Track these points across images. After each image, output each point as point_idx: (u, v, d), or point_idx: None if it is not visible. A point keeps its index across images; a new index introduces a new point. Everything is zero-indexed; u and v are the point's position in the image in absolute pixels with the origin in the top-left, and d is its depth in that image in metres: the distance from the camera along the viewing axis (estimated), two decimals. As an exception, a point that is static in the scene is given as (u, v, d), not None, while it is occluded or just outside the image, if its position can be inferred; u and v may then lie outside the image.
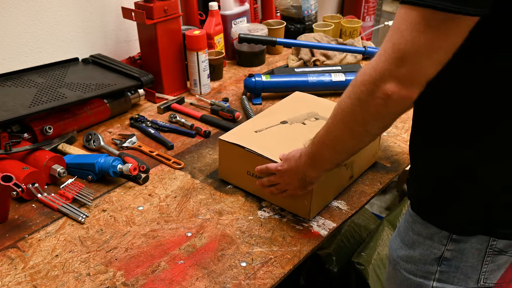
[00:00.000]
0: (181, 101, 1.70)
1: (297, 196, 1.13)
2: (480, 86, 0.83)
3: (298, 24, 2.25)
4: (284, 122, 1.31)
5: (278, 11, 2.28)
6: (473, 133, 0.86)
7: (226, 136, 1.25)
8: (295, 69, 1.81)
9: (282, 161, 1.11)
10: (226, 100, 1.71)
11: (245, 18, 2.03)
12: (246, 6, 2.02)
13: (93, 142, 1.45)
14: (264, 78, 1.69)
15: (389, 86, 0.77)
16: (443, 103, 0.86)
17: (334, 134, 0.92)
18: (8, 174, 1.11)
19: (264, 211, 1.19)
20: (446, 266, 0.96)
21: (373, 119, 0.84)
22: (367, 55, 1.77)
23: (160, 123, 1.56)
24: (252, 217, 1.17)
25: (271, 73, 1.81)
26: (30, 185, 1.21)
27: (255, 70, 1.97)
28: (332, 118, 0.91)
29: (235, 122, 1.58)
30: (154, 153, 1.42)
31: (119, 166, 1.27)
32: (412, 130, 0.99)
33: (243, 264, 1.04)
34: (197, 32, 1.69)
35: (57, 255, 1.07)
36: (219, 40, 1.91)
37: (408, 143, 1.01)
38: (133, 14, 1.64)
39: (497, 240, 0.92)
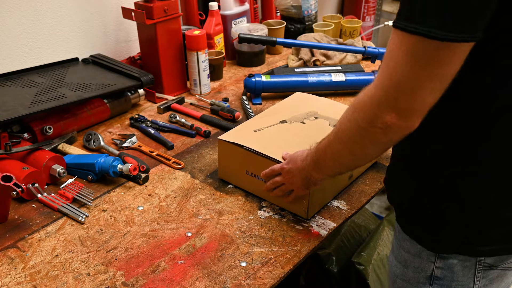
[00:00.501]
0: (181, 101, 1.70)
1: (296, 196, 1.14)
2: (465, 105, 0.81)
3: (298, 24, 2.25)
4: (283, 122, 1.31)
5: (278, 11, 2.28)
6: (455, 150, 0.85)
7: (225, 136, 1.25)
8: (295, 69, 1.81)
9: (286, 160, 1.11)
10: (226, 100, 1.71)
11: (245, 18, 2.03)
12: (246, 6, 2.02)
13: (93, 142, 1.45)
14: (264, 78, 1.69)
15: (389, 117, 0.75)
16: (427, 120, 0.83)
17: (335, 148, 0.92)
18: (8, 174, 1.11)
19: (264, 211, 1.19)
20: (438, 285, 0.95)
21: (372, 144, 0.84)
22: (367, 55, 1.77)
23: (160, 123, 1.56)
24: (252, 217, 1.17)
25: (271, 73, 1.81)
26: (30, 185, 1.21)
27: (255, 70, 1.97)
28: (334, 134, 0.91)
29: (235, 122, 1.58)
30: (154, 153, 1.42)
31: (119, 166, 1.27)
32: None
33: (243, 264, 1.04)
34: (197, 32, 1.69)
35: (57, 255, 1.07)
36: (219, 40, 1.91)
37: None
38: (133, 14, 1.64)
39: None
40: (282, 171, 1.11)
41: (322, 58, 1.90)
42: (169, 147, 1.46)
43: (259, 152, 1.17)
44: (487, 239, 0.89)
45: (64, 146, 1.42)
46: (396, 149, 0.98)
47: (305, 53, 1.93)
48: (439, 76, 0.71)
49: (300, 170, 1.05)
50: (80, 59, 1.75)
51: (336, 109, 1.40)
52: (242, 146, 1.20)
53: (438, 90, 0.73)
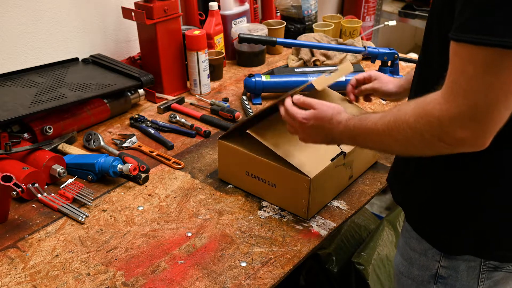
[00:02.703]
0: (181, 101, 1.70)
1: (294, 196, 1.13)
2: None
3: (298, 24, 2.25)
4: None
5: (278, 11, 2.28)
6: (469, 156, 0.82)
7: (225, 137, 1.25)
8: (295, 69, 1.81)
9: (309, 115, 0.99)
10: (226, 100, 1.71)
11: (245, 18, 2.03)
12: (246, 6, 2.02)
13: (93, 142, 1.45)
14: (264, 78, 1.69)
15: (461, 134, 0.71)
16: None
17: (384, 141, 0.85)
18: (8, 174, 1.11)
19: (264, 211, 1.19)
20: (442, 284, 0.95)
21: (431, 152, 0.79)
22: (367, 55, 1.77)
23: (160, 123, 1.56)
24: (252, 217, 1.17)
25: (271, 73, 1.81)
26: (30, 185, 1.21)
27: (255, 70, 1.97)
28: (386, 128, 0.83)
29: (235, 122, 1.58)
30: (154, 153, 1.42)
31: (119, 166, 1.27)
32: None
33: (243, 264, 1.04)
34: (197, 32, 1.69)
35: (57, 255, 1.07)
36: (219, 40, 1.91)
37: None
38: (133, 14, 1.64)
39: None
40: (302, 125, 1.01)
41: (322, 58, 1.90)
42: (169, 147, 1.46)
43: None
44: (498, 243, 0.89)
45: (64, 146, 1.42)
46: None
47: (305, 53, 1.93)
48: None
49: (327, 130, 0.97)
50: (80, 59, 1.75)
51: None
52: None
53: None
